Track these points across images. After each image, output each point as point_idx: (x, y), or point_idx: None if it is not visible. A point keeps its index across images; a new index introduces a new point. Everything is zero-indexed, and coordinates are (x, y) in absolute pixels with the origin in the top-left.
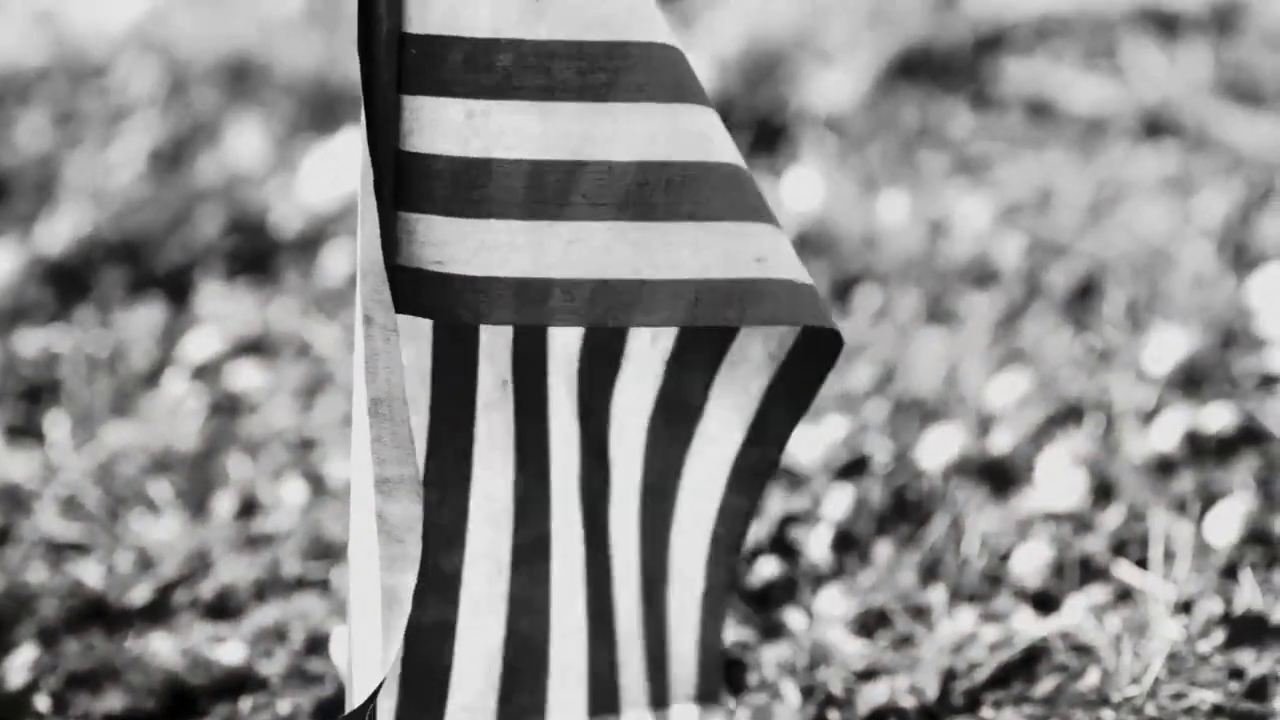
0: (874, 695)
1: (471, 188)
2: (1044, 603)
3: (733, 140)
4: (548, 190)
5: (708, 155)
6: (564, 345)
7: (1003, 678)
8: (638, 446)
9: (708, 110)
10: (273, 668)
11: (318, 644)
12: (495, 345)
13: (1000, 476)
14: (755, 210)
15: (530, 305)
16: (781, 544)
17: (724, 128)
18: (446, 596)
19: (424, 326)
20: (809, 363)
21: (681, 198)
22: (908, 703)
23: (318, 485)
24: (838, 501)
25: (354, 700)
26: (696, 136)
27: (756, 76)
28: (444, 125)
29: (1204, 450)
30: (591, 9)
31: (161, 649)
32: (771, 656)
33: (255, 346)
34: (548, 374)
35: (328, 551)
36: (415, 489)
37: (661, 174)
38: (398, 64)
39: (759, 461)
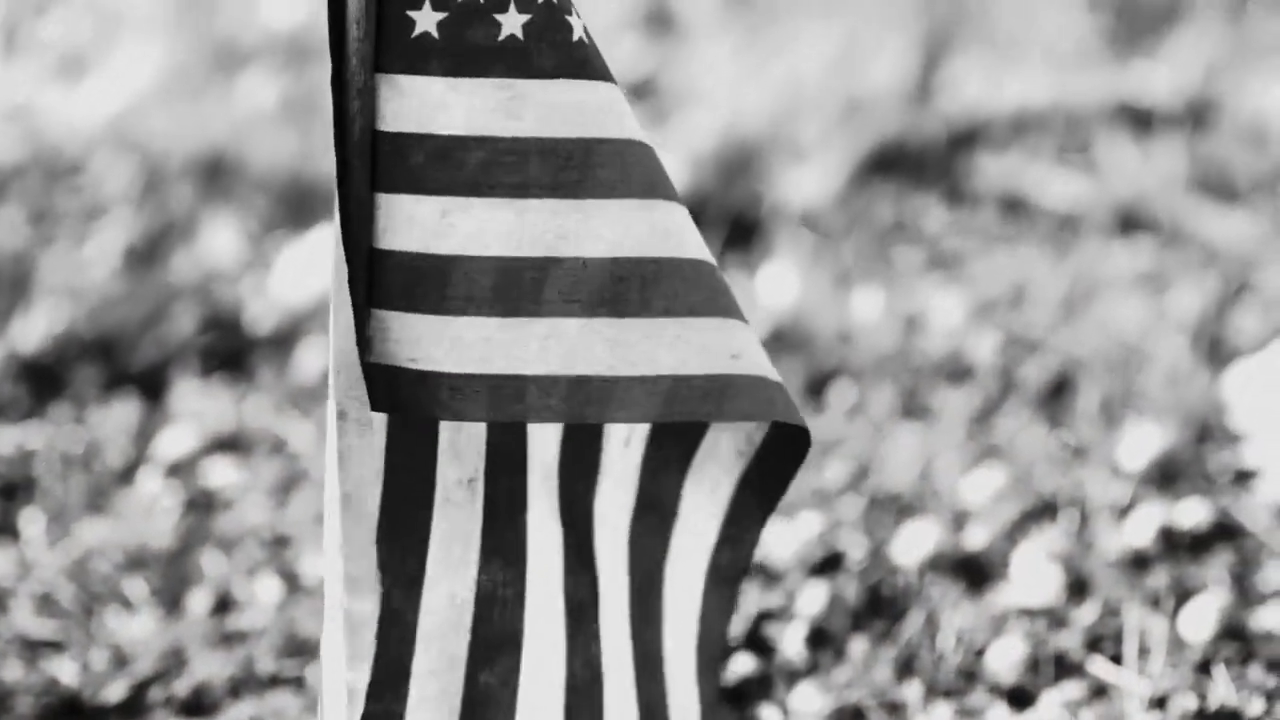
0: None
1: (445, 285)
2: (1019, 698)
3: (704, 236)
4: (522, 287)
5: (681, 251)
6: (543, 446)
7: None
8: (622, 551)
9: (679, 207)
10: None
11: None
12: (461, 443)
13: (975, 572)
14: (727, 307)
15: (505, 402)
16: (757, 640)
17: (693, 224)
18: (398, 692)
19: (379, 420)
20: (778, 460)
21: (656, 294)
22: None
23: (292, 582)
24: (812, 598)
25: None
26: (669, 233)
27: (731, 172)
28: (418, 222)
29: (1178, 545)
30: (564, 107)
31: None
32: None
33: (230, 443)
34: (527, 475)
35: (302, 649)
36: (375, 584)
37: (635, 270)
38: (372, 161)
39: (733, 561)
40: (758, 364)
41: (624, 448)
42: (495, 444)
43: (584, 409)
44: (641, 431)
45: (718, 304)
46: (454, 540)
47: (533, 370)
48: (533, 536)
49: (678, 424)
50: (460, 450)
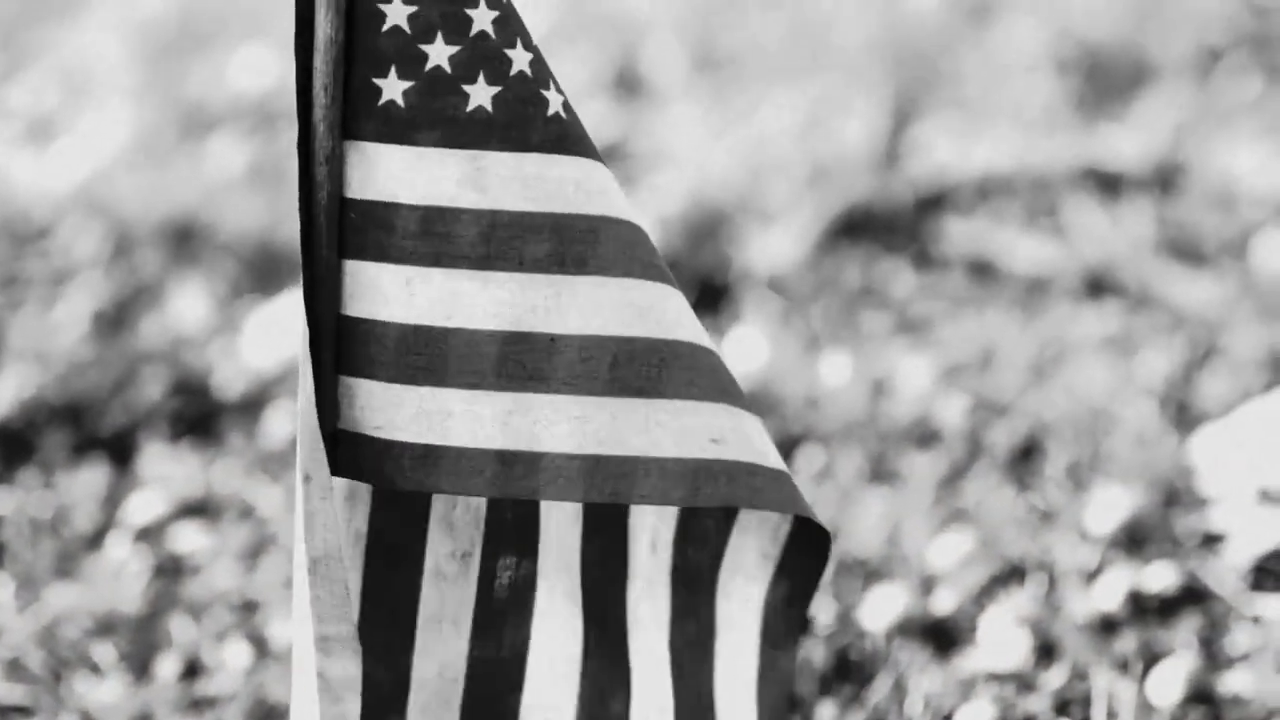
0: None
1: (409, 354)
2: None
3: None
4: (486, 360)
5: (660, 332)
6: (559, 530)
7: None
8: (663, 661)
9: (665, 288)
10: None
11: None
12: (456, 515)
13: (943, 636)
14: (714, 390)
15: (466, 476)
16: None
17: (684, 306)
18: None
19: (363, 489)
20: (802, 556)
21: (628, 373)
22: None
23: (261, 647)
24: None
25: None
26: (645, 313)
27: (699, 236)
28: (382, 290)
29: (1146, 609)
30: (533, 181)
31: None
32: None
33: (198, 508)
34: (538, 556)
35: (271, 714)
36: (354, 647)
37: (605, 349)
38: (339, 228)
39: (778, 663)
40: (748, 450)
41: (651, 552)
42: (497, 520)
43: (545, 487)
44: (666, 537)
45: (701, 388)
46: (444, 614)
47: (495, 445)
48: (540, 619)
49: (701, 530)
50: (455, 523)
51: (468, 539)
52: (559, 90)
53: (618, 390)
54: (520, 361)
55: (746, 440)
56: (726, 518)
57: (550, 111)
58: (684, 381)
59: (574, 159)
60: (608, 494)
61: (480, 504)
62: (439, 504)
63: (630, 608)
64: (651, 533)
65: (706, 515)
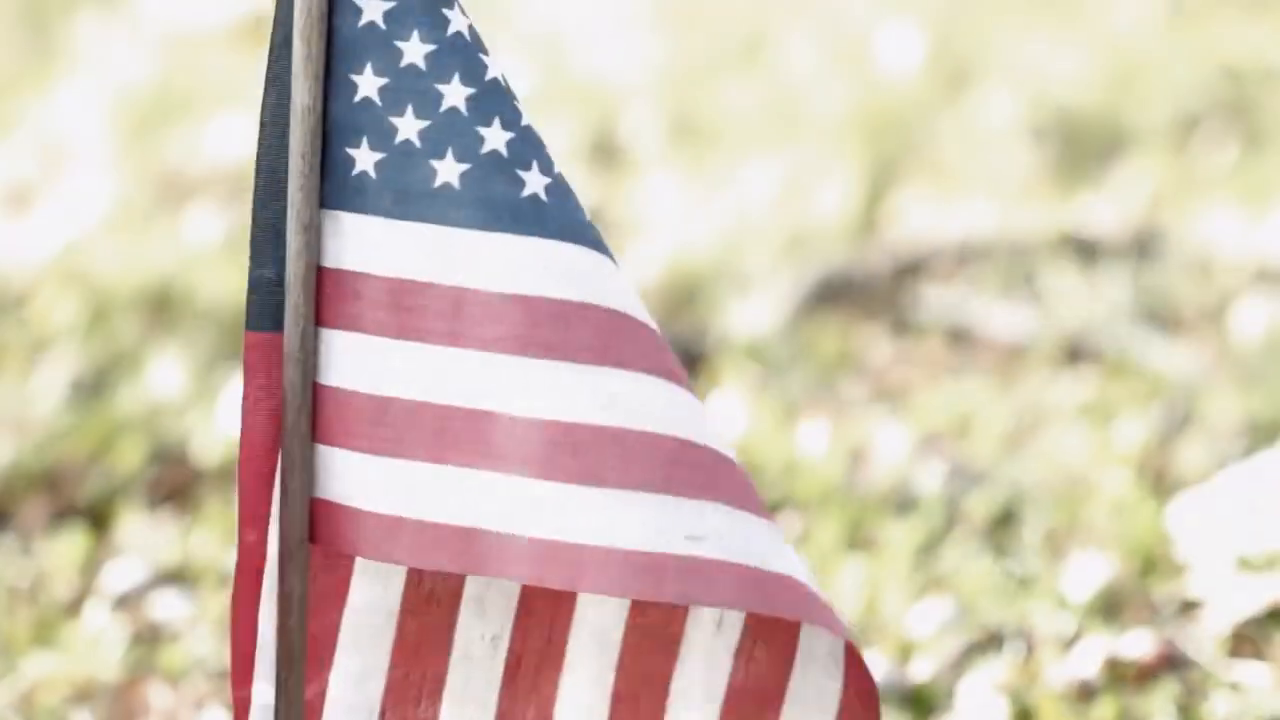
0: None
1: (379, 425)
2: None
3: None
4: (450, 436)
5: (628, 422)
6: (599, 610)
7: None
8: None
9: (644, 376)
10: None
11: None
12: (488, 596)
13: (921, 704)
14: (696, 484)
15: (428, 549)
16: None
17: (669, 394)
18: None
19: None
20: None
21: (592, 462)
22: None
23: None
24: None
25: None
26: (614, 400)
27: (677, 303)
28: (354, 360)
29: (1124, 677)
30: (502, 261)
31: None
32: None
33: (177, 575)
34: (569, 634)
35: None
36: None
37: (568, 436)
38: (315, 297)
39: None
40: (735, 550)
41: (716, 630)
42: (529, 602)
43: (512, 566)
44: (734, 617)
45: (678, 480)
46: (468, 698)
47: (459, 520)
48: (563, 703)
49: (771, 621)
50: (486, 605)
51: (499, 623)
52: (545, 172)
53: (581, 477)
54: (484, 440)
55: (734, 539)
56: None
57: (526, 193)
58: (656, 474)
59: (549, 241)
60: (565, 580)
61: (514, 586)
62: (472, 585)
63: (674, 683)
64: (721, 613)
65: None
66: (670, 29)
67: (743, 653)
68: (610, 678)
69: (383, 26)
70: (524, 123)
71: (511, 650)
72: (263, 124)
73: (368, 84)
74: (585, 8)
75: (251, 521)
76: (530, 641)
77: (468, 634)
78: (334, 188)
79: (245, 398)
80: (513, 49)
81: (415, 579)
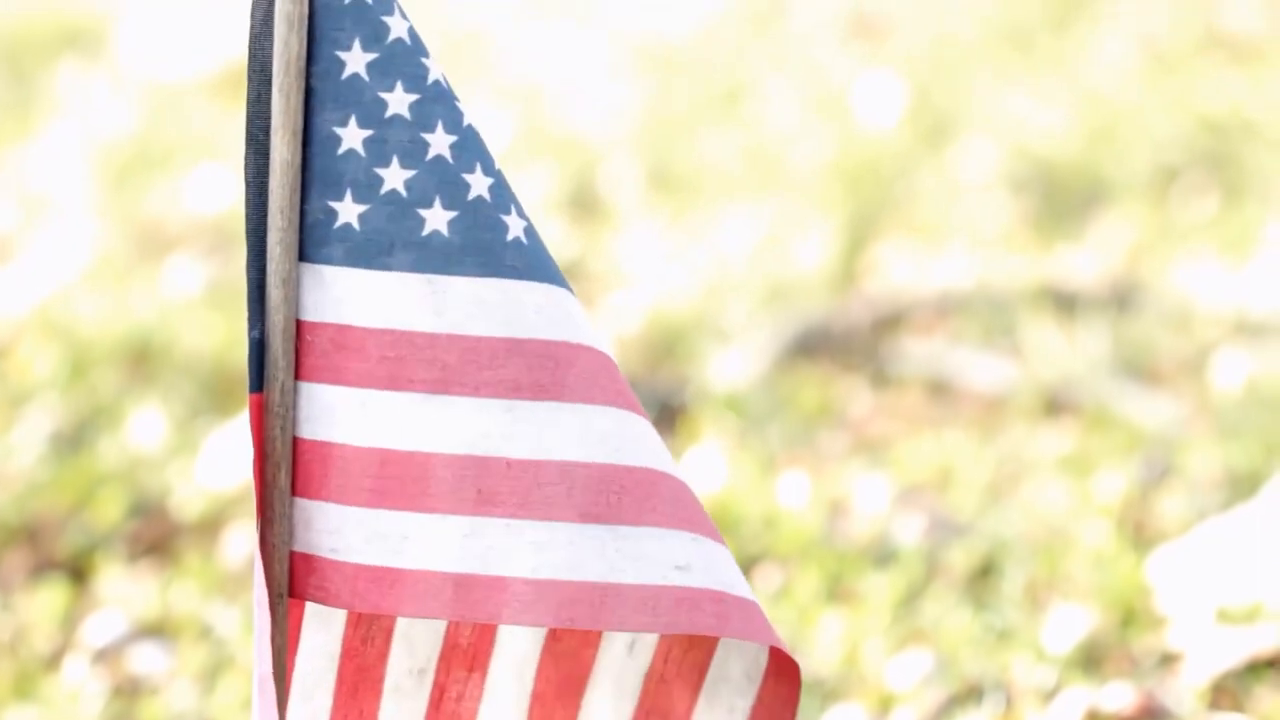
0: None
1: (364, 476)
2: None
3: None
4: (441, 484)
5: (618, 458)
6: (514, 641)
7: None
8: None
9: (626, 414)
10: None
11: None
12: (415, 632)
13: None
14: (679, 517)
15: (423, 598)
16: None
17: (651, 433)
18: None
19: (338, 613)
20: (777, 688)
21: (585, 500)
22: None
23: None
24: None
25: None
26: (605, 438)
27: (656, 356)
28: (337, 412)
29: None
30: (490, 306)
31: None
32: None
33: (156, 629)
34: (489, 667)
35: None
36: None
37: (564, 475)
38: (295, 350)
39: None
40: (715, 578)
41: (628, 653)
42: (454, 636)
43: (504, 611)
44: (648, 640)
45: (665, 514)
46: None
47: (452, 568)
48: None
49: (686, 633)
50: (413, 640)
51: (425, 656)
52: (521, 215)
53: (576, 516)
54: (476, 486)
55: (713, 568)
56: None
57: (510, 237)
58: (646, 509)
59: (535, 284)
60: (565, 619)
61: (441, 621)
62: (403, 621)
63: (585, 708)
64: (633, 636)
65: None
66: (650, 80)
67: (653, 675)
68: (526, 704)
69: (366, 78)
70: (497, 167)
71: (436, 683)
72: (246, 183)
73: (352, 136)
74: (564, 59)
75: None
76: (453, 673)
77: (398, 668)
78: (316, 241)
79: (255, 458)
80: (492, 100)
81: (354, 620)
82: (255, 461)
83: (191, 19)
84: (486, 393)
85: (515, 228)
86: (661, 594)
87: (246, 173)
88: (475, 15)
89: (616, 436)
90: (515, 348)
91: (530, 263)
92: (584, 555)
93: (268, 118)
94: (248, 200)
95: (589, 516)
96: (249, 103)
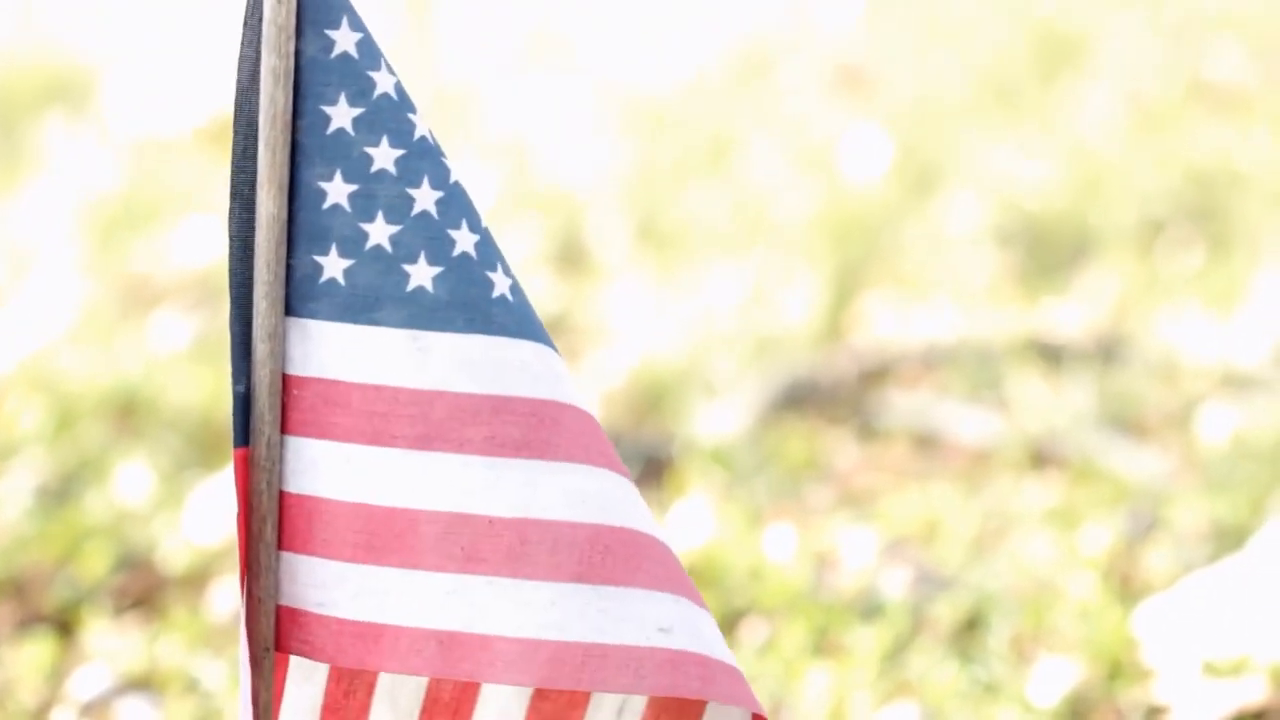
0: None
1: (349, 531)
2: None
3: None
4: (425, 540)
5: (601, 518)
6: (499, 701)
7: None
8: None
9: (608, 473)
10: None
11: None
12: (397, 686)
13: None
14: (662, 578)
15: (406, 655)
16: None
17: (632, 494)
18: None
19: (321, 666)
20: None
21: (567, 559)
22: None
23: None
24: None
25: None
26: (585, 498)
27: (643, 409)
28: (322, 467)
29: None
30: (474, 363)
31: None
32: None
33: (143, 683)
34: None
35: None
36: None
37: (546, 534)
38: (281, 404)
39: None
40: (698, 640)
41: (616, 716)
42: (436, 693)
43: (487, 669)
44: (637, 703)
45: (649, 575)
46: None
47: (435, 625)
48: None
49: (675, 699)
50: (397, 697)
51: (407, 710)
52: (507, 273)
53: (560, 575)
54: (460, 543)
55: (696, 631)
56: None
57: (496, 294)
58: (629, 570)
59: (520, 341)
60: (547, 679)
61: (423, 678)
62: (385, 676)
63: None
64: (622, 699)
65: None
66: (636, 134)
67: None
68: None
69: (351, 133)
70: (483, 224)
71: None
72: (230, 237)
73: (337, 191)
74: (551, 113)
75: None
76: None
77: None
78: (301, 295)
79: (240, 512)
80: (479, 154)
81: (336, 674)
82: (240, 515)
83: (177, 73)
84: (471, 450)
85: (501, 285)
86: (645, 655)
87: (231, 227)
88: (462, 70)
89: (600, 496)
90: (501, 405)
91: (516, 320)
92: (568, 615)
93: (253, 172)
94: (232, 254)
95: (573, 576)
96: (234, 157)
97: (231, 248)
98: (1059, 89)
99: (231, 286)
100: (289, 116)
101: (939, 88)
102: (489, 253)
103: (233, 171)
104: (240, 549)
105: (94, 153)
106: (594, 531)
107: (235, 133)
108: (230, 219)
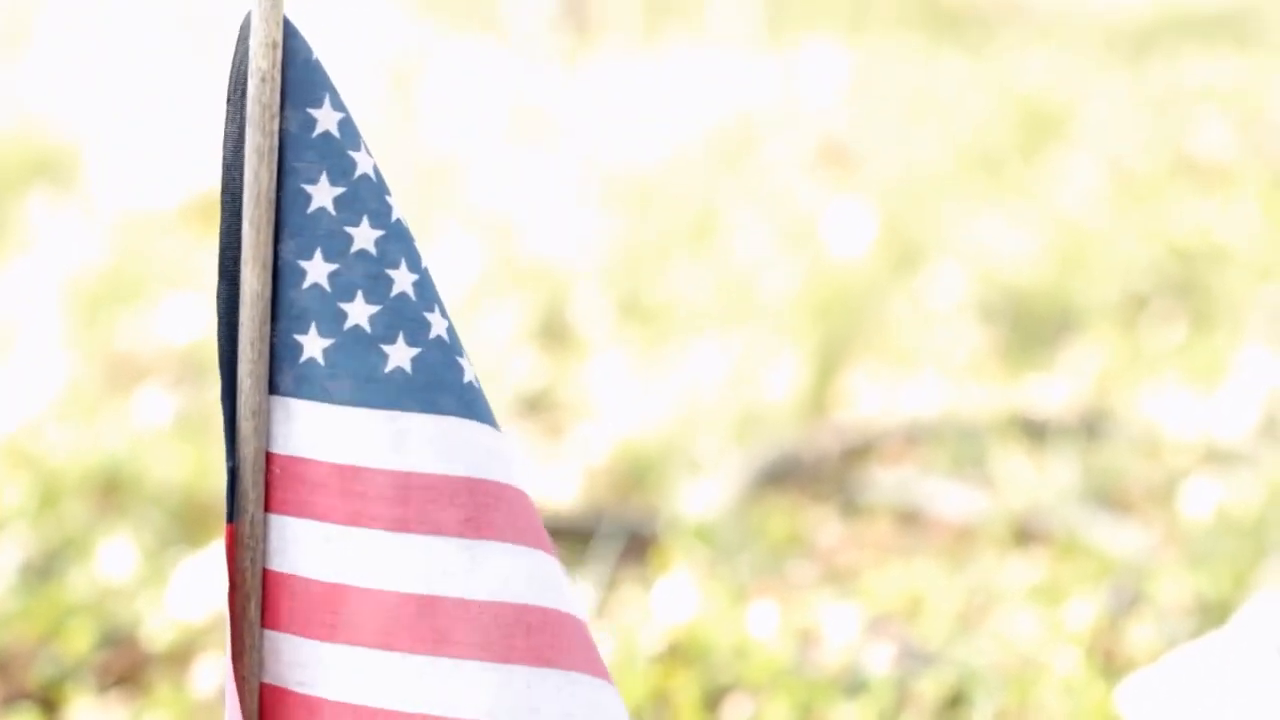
0: None
1: (327, 612)
2: None
3: (598, 550)
4: (398, 622)
5: (560, 604)
6: None
7: None
8: None
9: (551, 558)
10: None
11: None
12: None
13: None
14: (586, 661)
15: None
16: None
17: (563, 576)
18: None
19: None
20: None
21: (540, 643)
22: None
23: None
24: None
25: None
26: (547, 583)
27: (626, 484)
28: (304, 546)
29: None
30: (450, 445)
31: None
32: None
33: None
34: None
35: None
36: None
37: (521, 617)
38: (265, 482)
39: None
40: None
41: None
42: None
43: None
44: None
45: (578, 657)
46: None
47: (409, 707)
48: None
49: None
50: None
51: None
52: (467, 359)
53: (531, 658)
54: (432, 624)
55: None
56: None
57: (466, 379)
58: (584, 656)
59: (483, 426)
60: None
61: None
62: None
63: None
64: None
65: None
66: (621, 209)
67: None
68: None
69: (333, 212)
70: (448, 313)
71: None
72: (219, 315)
73: (317, 270)
74: (535, 188)
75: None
76: None
77: None
78: (283, 374)
79: (228, 590)
80: (464, 229)
81: None
82: (229, 592)
83: (161, 149)
84: (446, 531)
85: (468, 371)
86: None
87: (219, 305)
88: (446, 144)
89: (546, 579)
90: (473, 487)
91: (481, 405)
92: (538, 698)
93: (239, 249)
94: (220, 332)
95: (543, 659)
96: (221, 234)
97: (220, 325)
98: (1042, 162)
99: (221, 364)
100: (273, 194)
101: (923, 162)
102: (455, 340)
103: (220, 249)
104: (231, 627)
105: (78, 229)
106: (560, 616)
107: (222, 210)
108: (218, 296)
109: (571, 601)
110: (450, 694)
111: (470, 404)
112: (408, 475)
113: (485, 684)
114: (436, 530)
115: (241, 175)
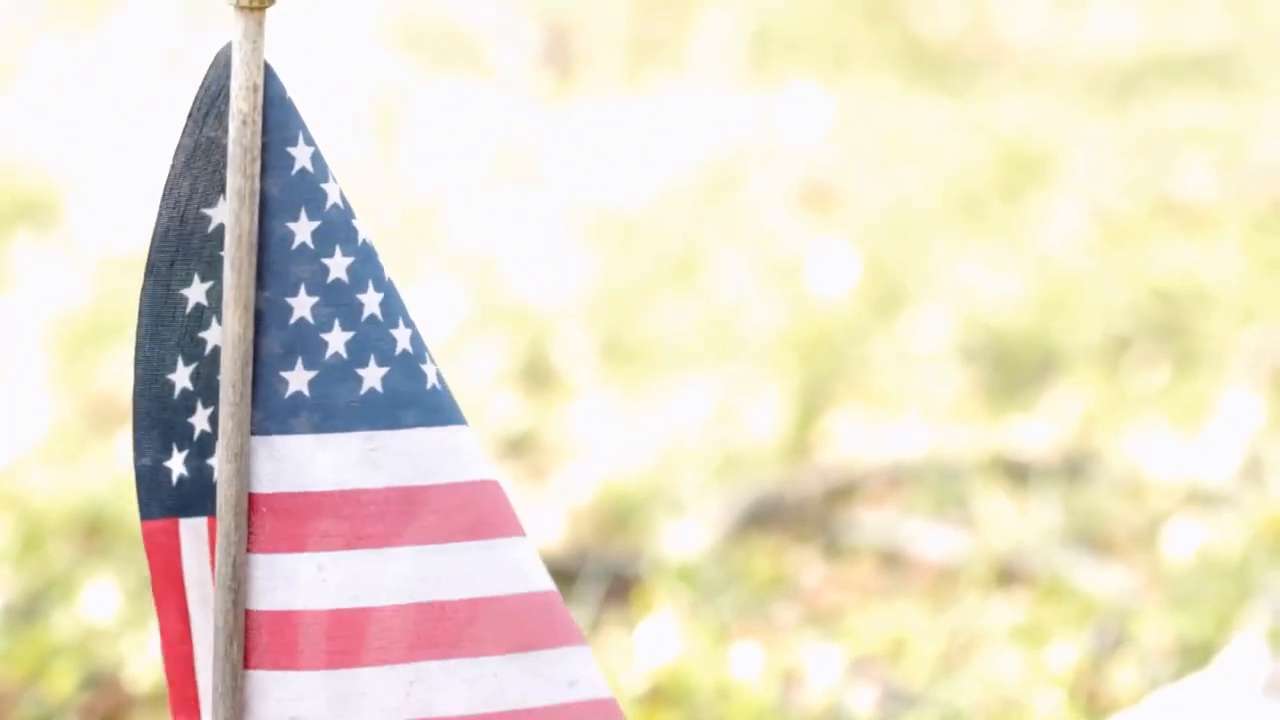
0: None
1: (324, 639)
2: None
3: (582, 592)
4: (390, 635)
5: (529, 586)
6: None
7: None
8: None
9: (520, 541)
10: None
11: None
12: None
13: None
14: (568, 633)
15: None
16: None
17: (534, 554)
18: None
19: None
20: None
21: (506, 631)
22: None
23: None
24: None
25: None
26: (517, 567)
27: (609, 525)
28: (297, 581)
29: None
30: (420, 455)
31: None
32: None
33: None
34: None
35: None
36: None
37: (489, 609)
38: (248, 524)
39: None
40: (599, 688)
41: None
42: None
43: None
44: None
45: (561, 632)
46: None
47: (401, 717)
48: None
49: None
50: None
51: None
52: (432, 361)
53: (508, 648)
54: (417, 631)
55: (592, 678)
56: None
57: (429, 385)
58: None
59: (454, 427)
60: None
61: None
62: None
63: None
64: None
65: None
66: (602, 249)
67: None
68: None
69: (312, 246)
70: (411, 317)
71: None
72: (139, 314)
73: (301, 305)
74: (517, 229)
75: (182, 707)
76: None
77: None
78: (266, 412)
79: (154, 587)
80: (446, 269)
81: None
82: (154, 590)
83: (144, 189)
84: (426, 539)
85: (431, 375)
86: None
87: (141, 302)
88: (429, 184)
89: (525, 562)
90: (449, 492)
91: (447, 406)
92: (504, 684)
93: (172, 251)
94: (140, 331)
95: (510, 647)
96: (155, 236)
97: (140, 325)
98: (1025, 205)
99: (136, 363)
100: (254, 237)
101: (906, 203)
102: (419, 345)
103: (150, 249)
104: (160, 625)
105: (62, 270)
106: (526, 600)
107: (159, 213)
108: (142, 296)
109: (542, 579)
110: (437, 695)
111: (434, 410)
112: (386, 490)
113: (462, 680)
114: (416, 540)
115: (188, 183)
